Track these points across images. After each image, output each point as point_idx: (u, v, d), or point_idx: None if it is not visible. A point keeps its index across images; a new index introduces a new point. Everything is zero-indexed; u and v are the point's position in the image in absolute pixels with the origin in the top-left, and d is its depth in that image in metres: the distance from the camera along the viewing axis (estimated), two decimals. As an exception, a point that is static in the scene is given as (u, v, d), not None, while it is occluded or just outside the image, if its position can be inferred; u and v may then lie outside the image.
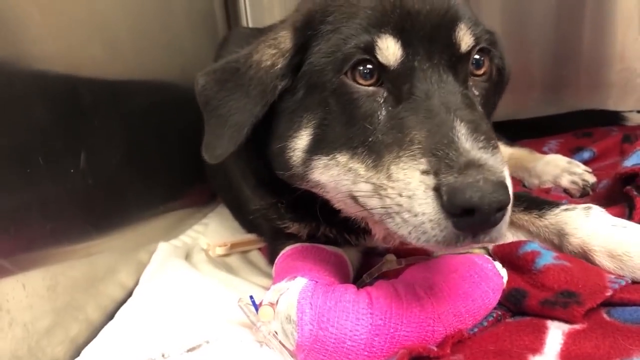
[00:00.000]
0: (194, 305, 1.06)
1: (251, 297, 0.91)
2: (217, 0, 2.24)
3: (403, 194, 0.72)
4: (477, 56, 0.87)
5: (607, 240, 0.96)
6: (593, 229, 0.99)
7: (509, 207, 0.70)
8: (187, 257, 1.40)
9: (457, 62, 0.83)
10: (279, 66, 0.88)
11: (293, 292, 0.86)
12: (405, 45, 0.80)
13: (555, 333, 0.84)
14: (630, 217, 1.09)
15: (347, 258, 1.10)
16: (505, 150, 1.73)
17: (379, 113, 0.81)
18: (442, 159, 0.70)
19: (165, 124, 1.53)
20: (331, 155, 0.85)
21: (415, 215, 0.71)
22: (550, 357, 0.78)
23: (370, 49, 0.81)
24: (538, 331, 0.85)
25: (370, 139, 0.80)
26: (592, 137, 1.97)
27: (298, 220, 1.11)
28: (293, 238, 1.13)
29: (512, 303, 0.93)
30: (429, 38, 0.81)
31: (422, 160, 0.71)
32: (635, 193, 1.12)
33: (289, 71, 0.88)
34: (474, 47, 0.85)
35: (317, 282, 0.88)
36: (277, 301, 0.86)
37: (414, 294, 0.85)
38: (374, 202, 0.78)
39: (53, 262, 1.01)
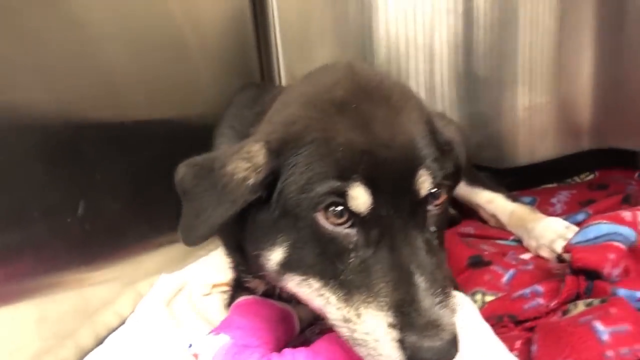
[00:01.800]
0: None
1: (190, 345, 1.07)
2: (249, 45, 2.37)
3: (369, 337, 0.83)
4: (434, 190, 0.92)
5: None
6: None
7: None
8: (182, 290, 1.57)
9: (417, 206, 0.89)
10: (251, 182, 0.92)
11: (211, 348, 1.00)
12: (374, 193, 0.86)
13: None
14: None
15: (295, 314, 1.22)
16: (506, 206, 1.76)
17: (350, 254, 0.88)
18: (405, 315, 0.80)
19: (174, 167, 1.69)
20: (304, 277, 0.93)
21: (381, 356, 0.81)
22: None
23: (342, 195, 0.86)
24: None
25: (341, 276, 0.88)
26: (607, 189, 1.91)
27: (259, 278, 1.20)
28: (250, 291, 1.26)
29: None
30: (394, 185, 0.87)
31: (389, 313, 0.81)
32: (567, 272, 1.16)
33: (261, 187, 0.93)
34: (431, 189, 0.91)
35: (235, 342, 1.01)
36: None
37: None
38: (342, 330, 0.88)
39: (43, 294, 1.19)
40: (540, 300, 1.16)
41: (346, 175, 0.86)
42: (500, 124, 2.12)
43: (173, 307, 1.45)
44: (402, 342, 0.78)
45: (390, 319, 0.80)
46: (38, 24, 1.20)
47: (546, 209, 1.85)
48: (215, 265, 1.64)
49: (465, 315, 0.99)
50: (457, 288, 1.12)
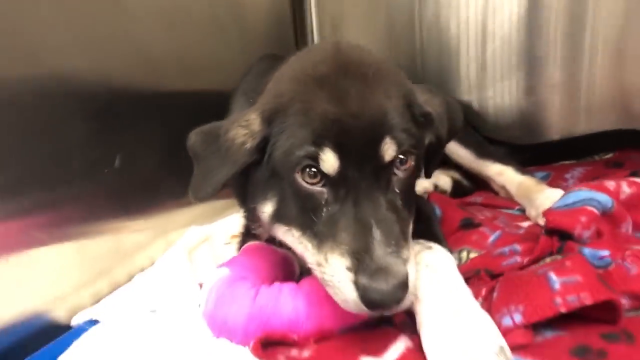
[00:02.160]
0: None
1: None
2: (285, 20, 2.51)
3: (334, 278, 0.99)
4: (401, 156, 1.07)
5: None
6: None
7: (411, 289, 0.95)
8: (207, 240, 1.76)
9: (381, 170, 1.04)
10: (248, 145, 1.09)
11: (213, 278, 1.17)
12: (342, 157, 1.01)
13: (400, 345, 1.05)
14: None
15: (295, 260, 1.37)
16: (515, 178, 1.84)
17: (322, 209, 1.04)
18: (360, 261, 0.95)
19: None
20: (288, 227, 1.12)
21: (343, 294, 0.98)
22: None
23: (315, 158, 1.02)
24: (387, 340, 1.06)
25: (314, 227, 1.05)
26: (622, 167, 1.93)
27: (262, 227, 1.37)
28: (256, 237, 1.43)
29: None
30: (361, 151, 1.01)
31: (347, 258, 0.97)
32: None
33: (257, 151, 1.11)
34: (396, 156, 1.05)
35: (233, 274, 1.17)
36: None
37: (294, 295, 1.11)
38: (317, 273, 1.06)
39: (83, 237, 1.42)
40: (518, 258, 1.25)
41: (319, 142, 1.02)
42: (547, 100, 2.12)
43: (196, 254, 1.63)
44: (356, 284, 0.94)
45: (348, 264, 0.96)
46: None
47: (559, 184, 1.90)
48: (238, 220, 1.82)
49: (440, 265, 1.12)
50: (442, 243, 1.24)
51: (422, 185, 1.92)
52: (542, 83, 2.00)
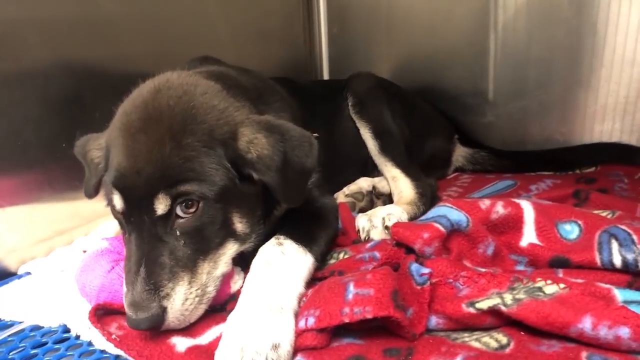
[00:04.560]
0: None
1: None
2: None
3: None
4: (183, 204, 1.16)
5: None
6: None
7: (169, 318, 1.11)
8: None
9: (160, 219, 1.16)
10: (101, 165, 1.32)
11: (91, 248, 1.35)
12: (126, 202, 1.16)
13: (217, 329, 1.15)
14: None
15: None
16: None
17: (127, 235, 1.20)
18: (127, 292, 1.12)
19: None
20: None
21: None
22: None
23: (111, 198, 1.21)
24: (209, 324, 1.17)
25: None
26: (593, 183, 1.80)
27: None
28: None
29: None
30: (139, 202, 1.15)
31: (124, 286, 1.14)
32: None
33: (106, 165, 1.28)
34: (170, 208, 1.15)
35: (108, 248, 1.34)
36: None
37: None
38: None
39: (38, 202, 1.69)
40: (374, 264, 1.28)
41: (114, 185, 1.18)
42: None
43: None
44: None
45: (124, 289, 1.13)
46: None
47: (519, 194, 1.83)
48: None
49: (278, 262, 1.24)
50: (314, 243, 1.34)
51: (359, 184, 1.94)
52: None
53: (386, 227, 1.55)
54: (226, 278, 1.26)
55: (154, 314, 1.08)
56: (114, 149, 1.22)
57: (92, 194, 1.39)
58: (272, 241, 1.29)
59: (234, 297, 1.24)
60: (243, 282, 1.25)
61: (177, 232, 1.17)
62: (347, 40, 2.70)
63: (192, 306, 1.15)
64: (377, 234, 1.56)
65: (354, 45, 2.69)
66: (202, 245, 1.19)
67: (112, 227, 1.68)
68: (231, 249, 1.25)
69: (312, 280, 1.28)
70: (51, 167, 1.72)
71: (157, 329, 1.11)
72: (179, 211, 1.16)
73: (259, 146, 1.21)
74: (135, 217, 1.16)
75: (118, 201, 1.18)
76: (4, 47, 1.58)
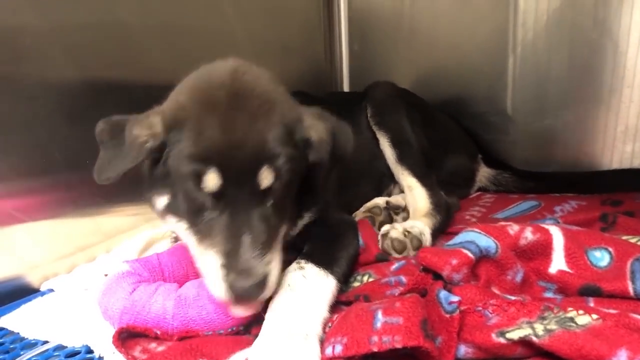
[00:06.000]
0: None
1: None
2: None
3: (209, 271, 1.17)
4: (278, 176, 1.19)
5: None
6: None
7: (269, 285, 1.14)
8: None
9: (258, 192, 1.18)
10: (148, 145, 1.22)
11: (112, 272, 1.34)
12: (224, 177, 1.15)
13: (241, 355, 1.14)
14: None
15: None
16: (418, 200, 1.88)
17: (205, 213, 1.20)
18: (230, 261, 1.12)
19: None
20: (178, 220, 1.29)
21: (214, 285, 1.15)
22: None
23: (199, 176, 1.15)
24: (234, 346, 1.16)
25: (198, 226, 1.22)
26: (621, 206, 1.77)
27: None
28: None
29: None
30: (240, 175, 1.16)
31: (220, 257, 1.14)
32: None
33: (155, 151, 1.25)
34: (273, 182, 1.18)
35: (129, 271, 1.33)
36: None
37: (166, 295, 1.24)
38: (198, 264, 1.24)
39: (60, 218, 1.69)
40: (401, 289, 1.26)
41: (205, 163, 1.15)
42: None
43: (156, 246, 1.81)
44: (225, 279, 1.11)
45: (220, 261, 1.13)
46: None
47: (544, 216, 1.80)
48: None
49: (301, 286, 1.24)
50: (335, 266, 1.33)
51: (374, 201, 1.93)
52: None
53: (406, 232, 1.60)
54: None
55: (261, 281, 1.11)
56: (193, 125, 1.20)
57: (115, 176, 1.27)
58: (294, 265, 1.30)
59: (259, 320, 1.22)
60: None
61: (269, 204, 1.20)
62: (368, 57, 2.71)
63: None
64: (396, 234, 1.62)
65: (374, 62, 2.69)
66: (283, 216, 1.26)
67: (133, 247, 1.69)
68: (284, 229, 1.31)
69: (337, 304, 1.27)
70: (74, 184, 1.73)
71: (258, 297, 1.13)
72: (276, 184, 1.19)
73: (319, 131, 1.29)
74: (232, 191, 1.16)
75: (214, 178, 1.15)
76: (30, 63, 1.59)
